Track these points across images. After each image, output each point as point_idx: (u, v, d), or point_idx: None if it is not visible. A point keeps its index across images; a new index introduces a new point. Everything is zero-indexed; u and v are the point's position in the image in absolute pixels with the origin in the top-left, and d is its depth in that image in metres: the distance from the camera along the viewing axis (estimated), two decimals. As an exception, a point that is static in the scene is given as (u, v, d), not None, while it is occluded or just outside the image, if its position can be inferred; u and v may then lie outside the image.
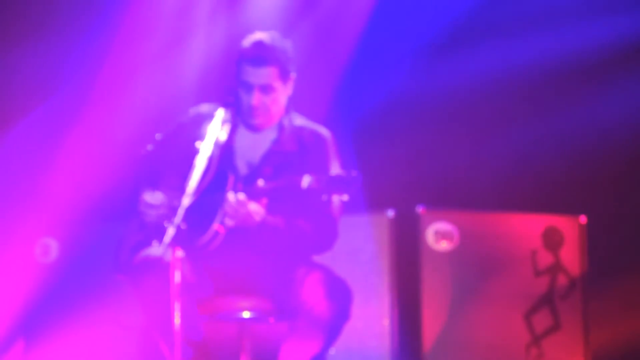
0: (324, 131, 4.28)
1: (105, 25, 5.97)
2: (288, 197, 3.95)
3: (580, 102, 6.11)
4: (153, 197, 4.05)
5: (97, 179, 5.69)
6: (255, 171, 4.15)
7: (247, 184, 4.01)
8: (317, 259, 4.26)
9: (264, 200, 3.99)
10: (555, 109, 6.16)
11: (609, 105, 6.11)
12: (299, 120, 4.29)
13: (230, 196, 3.93)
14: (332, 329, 4.01)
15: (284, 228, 4.07)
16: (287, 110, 4.28)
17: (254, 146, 4.22)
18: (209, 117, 4.08)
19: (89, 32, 5.99)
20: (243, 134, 4.23)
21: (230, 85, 4.19)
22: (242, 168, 4.19)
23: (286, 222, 4.08)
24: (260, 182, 3.97)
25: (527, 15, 6.15)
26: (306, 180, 3.82)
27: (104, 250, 5.28)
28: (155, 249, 3.90)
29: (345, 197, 3.84)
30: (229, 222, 3.96)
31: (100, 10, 5.98)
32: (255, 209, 3.97)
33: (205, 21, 6.11)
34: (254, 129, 4.22)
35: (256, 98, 4.12)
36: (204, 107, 4.29)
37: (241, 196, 3.94)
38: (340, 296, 4.03)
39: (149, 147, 4.32)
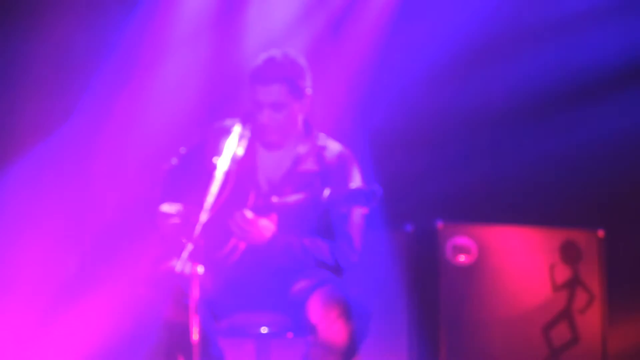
0: (346, 151, 4.25)
1: (129, 38, 5.98)
2: (307, 212, 3.96)
3: (598, 116, 6.11)
4: (171, 211, 4.07)
5: (119, 193, 5.70)
6: (275, 189, 4.14)
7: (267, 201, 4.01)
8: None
9: (275, 217, 3.99)
10: (573, 123, 6.15)
11: (627, 119, 6.10)
12: (322, 140, 4.27)
13: (237, 215, 3.94)
14: (349, 350, 3.93)
15: (296, 243, 4.06)
16: (309, 128, 4.27)
17: (275, 164, 4.20)
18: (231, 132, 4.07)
19: (111, 42, 6.00)
20: (264, 150, 4.23)
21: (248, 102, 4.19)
22: (264, 185, 4.18)
23: (298, 238, 4.07)
24: (275, 199, 3.97)
25: (545, 27, 6.16)
26: (326, 193, 3.82)
27: (124, 264, 5.32)
28: (175, 264, 3.91)
29: (365, 210, 3.82)
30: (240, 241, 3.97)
31: (124, 25, 5.99)
32: (266, 224, 3.98)
33: (234, 34, 6.12)
34: (269, 147, 4.20)
35: (266, 116, 4.10)
36: (228, 122, 4.25)
37: (248, 214, 3.95)
38: (356, 316, 3.94)
39: (173, 161, 4.34)
